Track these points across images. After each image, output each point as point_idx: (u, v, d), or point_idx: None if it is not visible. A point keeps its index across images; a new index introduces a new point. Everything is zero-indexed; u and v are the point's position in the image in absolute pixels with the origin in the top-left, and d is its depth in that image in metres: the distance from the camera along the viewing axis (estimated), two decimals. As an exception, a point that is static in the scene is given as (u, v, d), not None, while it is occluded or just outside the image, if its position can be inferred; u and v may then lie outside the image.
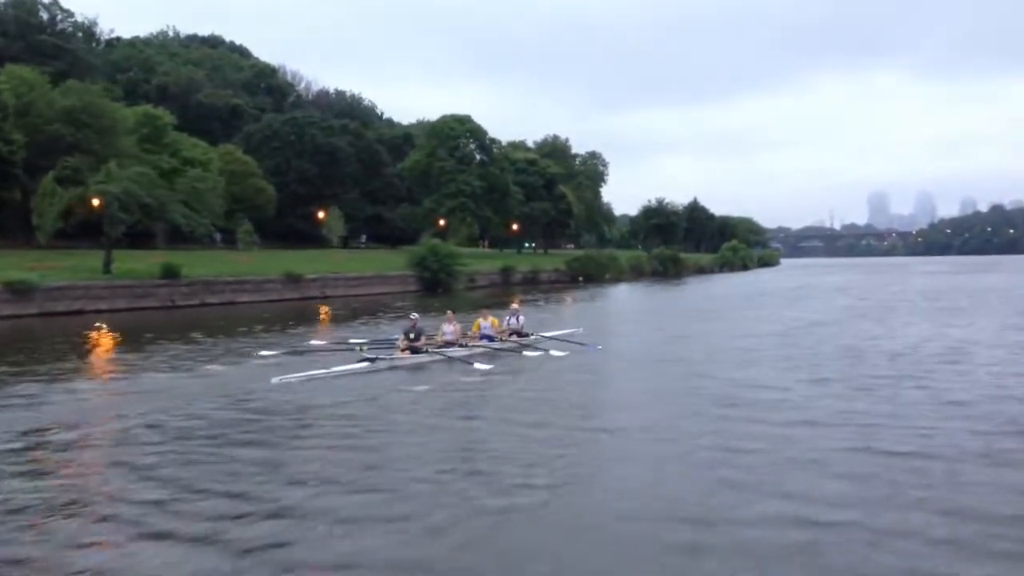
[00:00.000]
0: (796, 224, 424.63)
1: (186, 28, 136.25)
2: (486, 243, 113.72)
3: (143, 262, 47.57)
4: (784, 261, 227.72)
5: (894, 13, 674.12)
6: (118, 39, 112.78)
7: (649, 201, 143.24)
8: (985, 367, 18.63)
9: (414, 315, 22.09)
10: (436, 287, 61.62)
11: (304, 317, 39.26)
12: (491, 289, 67.53)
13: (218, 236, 64.71)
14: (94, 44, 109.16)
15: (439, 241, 63.67)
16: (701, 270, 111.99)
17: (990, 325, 28.67)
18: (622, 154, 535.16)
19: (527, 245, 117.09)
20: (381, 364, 19.43)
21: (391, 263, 66.48)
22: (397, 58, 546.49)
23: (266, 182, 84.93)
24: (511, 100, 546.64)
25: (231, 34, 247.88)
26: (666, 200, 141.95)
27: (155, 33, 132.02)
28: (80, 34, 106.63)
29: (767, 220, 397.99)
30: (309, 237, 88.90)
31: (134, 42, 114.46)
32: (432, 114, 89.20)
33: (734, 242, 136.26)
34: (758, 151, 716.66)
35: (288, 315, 40.28)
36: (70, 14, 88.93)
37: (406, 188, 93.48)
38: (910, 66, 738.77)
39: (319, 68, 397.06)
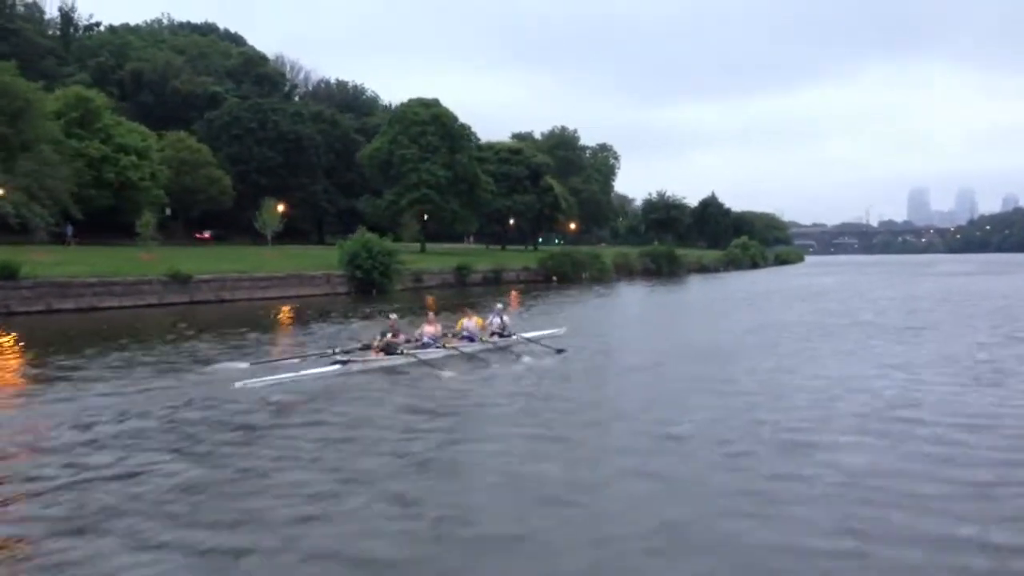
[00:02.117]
0: (832, 221, 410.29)
1: (193, 18, 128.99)
2: (470, 238, 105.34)
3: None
4: (814, 259, 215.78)
5: (940, 1, 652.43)
6: (97, 24, 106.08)
7: (650, 194, 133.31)
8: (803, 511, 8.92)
9: (392, 316, 21.03)
10: (370, 288, 53.12)
11: (155, 328, 31.12)
12: (442, 291, 58.89)
13: (69, 229, 56.04)
14: (72, 30, 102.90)
15: (373, 235, 54.92)
16: (703, 269, 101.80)
17: (938, 365, 19.42)
18: (657, 147, 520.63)
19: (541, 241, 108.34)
20: (353, 367, 18.33)
21: (326, 261, 57.74)
22: (431, 51, 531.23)
23: (223, 172, 77.24)
24: (547, 92, 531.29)
25: (254, 29, 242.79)
26: (668, 193, 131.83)
27: (149, 21, 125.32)
28: (55, 19, 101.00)
29: (803, 216, 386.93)
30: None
31: (115, 28, 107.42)
32: (455, 106, 79.79)
33: (744, 239, 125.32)
34: (797, 145, 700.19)
35: (151, 324, 32.92)
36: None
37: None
38: (954, 57, 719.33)
39: (345, 61, 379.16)
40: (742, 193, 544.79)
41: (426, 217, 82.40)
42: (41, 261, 40.86)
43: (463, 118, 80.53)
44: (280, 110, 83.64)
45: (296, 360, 19.17)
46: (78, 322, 35.08)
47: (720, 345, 24.36)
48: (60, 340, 26.78)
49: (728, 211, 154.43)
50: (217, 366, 18.28)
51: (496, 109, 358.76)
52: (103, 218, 65.85)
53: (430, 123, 72.48)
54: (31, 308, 37.56)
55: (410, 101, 76.67)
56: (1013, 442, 11.36)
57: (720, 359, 21.08)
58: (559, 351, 21.49)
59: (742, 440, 11.50)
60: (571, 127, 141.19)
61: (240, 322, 32.73)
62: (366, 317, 35.02)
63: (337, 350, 19.50)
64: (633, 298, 56.57)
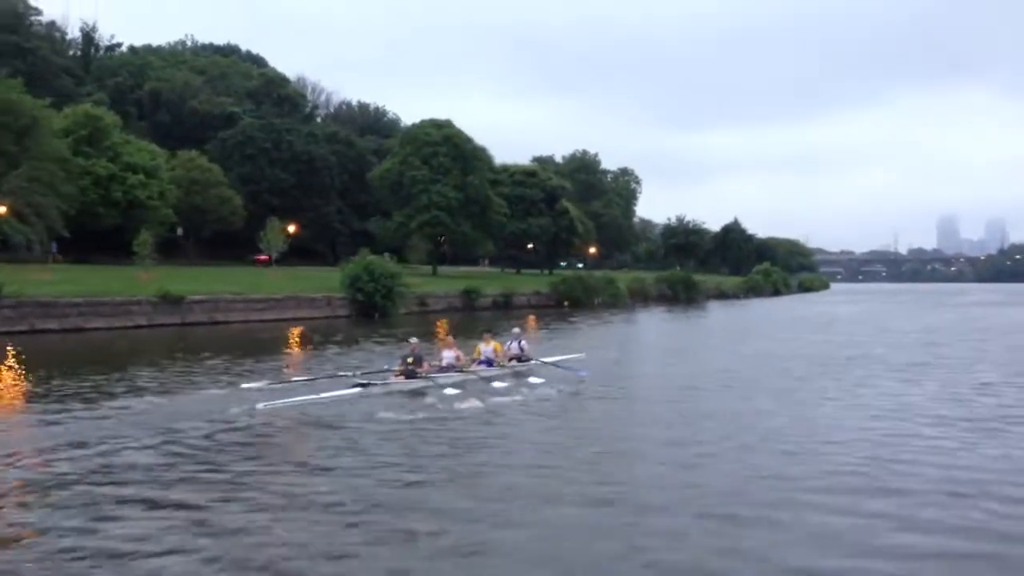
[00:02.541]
0: (861, 248, 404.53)
1: (217, 40, 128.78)
2: (485, 262, 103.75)
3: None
4: (840, 287, 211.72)
5: (973, 30, 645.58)
6: (118, 45, 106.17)
7: (669, 219, 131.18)
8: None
9: (413, 339, 21.04)
10: (372, 312, 51.67)
11: (144, 349, 29.83)
12: (448, 315, 57.29)
13: (54, 247, 54.80)
14: (92, 50, 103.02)
15: (376, 257, 53.52)
16: (723, 295, 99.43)
17: (934, 411, 17.27)
18: (683, 172, 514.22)
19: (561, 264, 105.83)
20: (375, 390, 18.35)
21: (330, 283, 56.14)
22: (460, 74, 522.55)
23: (234, 192, 76.34)
24: (572, 116, 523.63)
25: (278, 52, 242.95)
26: (688, 218, 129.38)
27: (173, 42, 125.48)
28: (77, 39, 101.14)
29: (831, 244, 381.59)
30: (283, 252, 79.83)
31: (136, 49, 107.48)
32: (482, 129, 78.83)
33: (765, 265, 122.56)
34: (825, 172, 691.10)
35: (137, 345, 32.17)
36: (38, 12, 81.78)
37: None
38: (988, 86, 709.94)
39: (370, 83, 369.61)
40: (768, 219, 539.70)
41: (442, 239, 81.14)
42: (28, 279, 39.84)
43: (487, 141, 79.60)
44: (294, 130, 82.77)
45: (319, 380, 19.49)
46: (60, 343, 34.08)
47: (705, 380, 22.46)
48: (44, 361, 25.59)
49: (750, 237, 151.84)
50: (243, 385, 18.64)
51: (520, 132, 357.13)
52: (109, 237, 65.09)
53: (442, 144, 71.04)
54: (12, 328, 36.26)
55: (422, 122, 75.47)
56: (993, 521, 9.32)
57: (695, 397, 19.24)
58: (578, 375, 21.56)
59: (664, 511, 9.70)
60: (593, 151, 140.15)
61: (226, 346, 31.48)
62: (353, 343, 33.55)
63: (359, 373, 20.03)
64: (640, 325, 54.65)
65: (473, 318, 54.47)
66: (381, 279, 52.15)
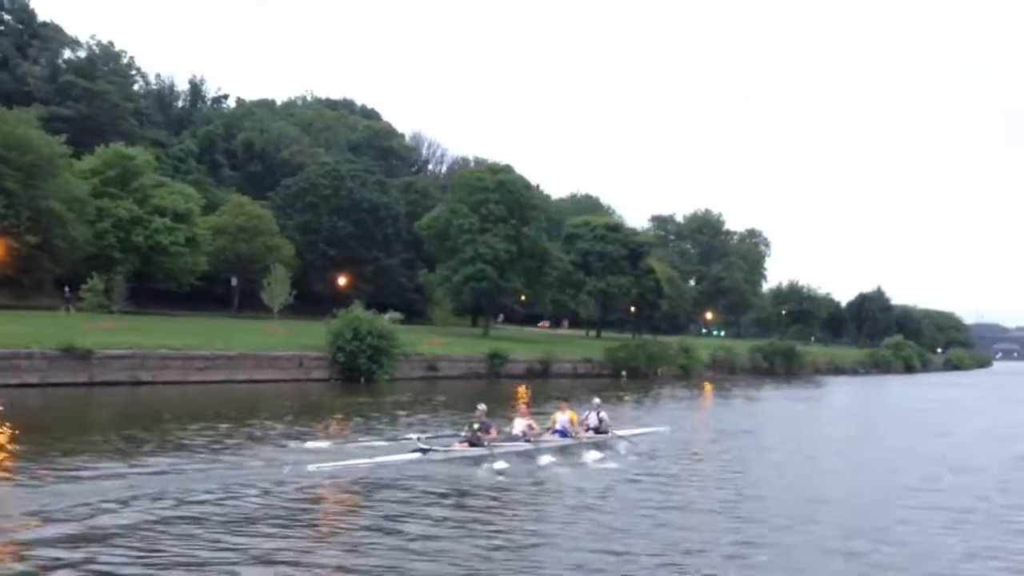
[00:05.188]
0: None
1: (333, 95, 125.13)
2: (565, 323, 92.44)
3: None
4: (1012, 365, 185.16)
5: None
6: (225, 97, 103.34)
7: (780, 284, 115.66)
8: None
9: (481, 406, 18.91)
10: (357, 376, 42.43)
11: None
12: (467, 382, 47.85)
13: None
14: (199, 103, 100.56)
15: (367, 313, 44.11)
16: (838, 369, 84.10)
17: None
18: (843, 236, 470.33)
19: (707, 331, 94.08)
20: (435, 455, 17.30)
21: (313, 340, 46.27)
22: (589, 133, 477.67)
23: (284, 240, 69.23)
24: (723, 171, 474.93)
25: (406, 110, 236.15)
26: (802, 283, 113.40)
27: (294, 97, 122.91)
28: (174, 90, 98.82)
29: (1008, 319, 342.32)
30: (335, 304, 71.89)
31: (243, 102, 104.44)
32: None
33: (897, 338, 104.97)
34: (1005, 239, 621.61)
35: None
36: (114, 56, 78.39)
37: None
38: None
39: (497, 141, 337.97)
40: (942, 291, 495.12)
41: (523, 298, 71.65)
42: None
43: (615, 200, 69.60)
44: (357, 177, 75.26)
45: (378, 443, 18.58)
46: None
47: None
48: None
49: (890, 306, 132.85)
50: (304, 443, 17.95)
51: (654, 188, 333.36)
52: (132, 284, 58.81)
53: (494, 190, 61.22)
54: None
55: (477, 166, 66.22)
56: None
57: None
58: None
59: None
60: (716, 210, 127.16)
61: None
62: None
63: (421, 437, 18.42)
64: (669, 405, 42.26)
65: (498, 386, 44.88)
66: (367, 338, 42.71)
